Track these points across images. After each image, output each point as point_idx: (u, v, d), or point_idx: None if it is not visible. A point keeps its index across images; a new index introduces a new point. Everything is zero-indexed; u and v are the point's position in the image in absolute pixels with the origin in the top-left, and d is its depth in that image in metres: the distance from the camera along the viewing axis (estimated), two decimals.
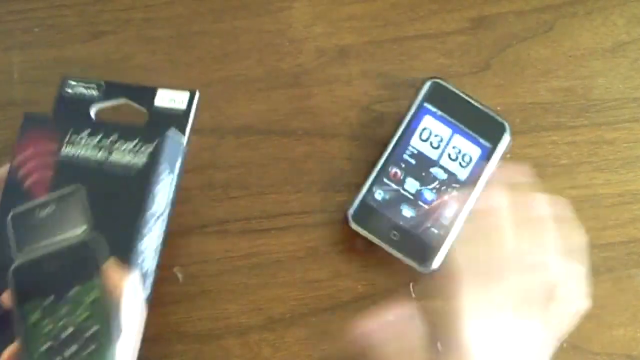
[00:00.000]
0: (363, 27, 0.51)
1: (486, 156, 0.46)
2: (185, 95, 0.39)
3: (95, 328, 0.34)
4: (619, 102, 0.50)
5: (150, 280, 0.37)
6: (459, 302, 0.33)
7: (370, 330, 0.36)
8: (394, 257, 0.45)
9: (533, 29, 0.51)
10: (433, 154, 0.46)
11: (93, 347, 0.34)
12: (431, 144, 0.46)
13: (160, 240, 0.38)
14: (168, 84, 0.49)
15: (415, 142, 0.46)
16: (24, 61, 0.50)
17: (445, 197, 0.45)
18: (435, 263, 0.44)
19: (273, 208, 0.47)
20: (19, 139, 0.38)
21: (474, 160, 0.46)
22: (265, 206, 0.47)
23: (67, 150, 0.37)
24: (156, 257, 0.38)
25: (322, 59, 0.50)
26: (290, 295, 0.46)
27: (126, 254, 0.35)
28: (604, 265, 0.47)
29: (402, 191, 0.46)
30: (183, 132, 0.39)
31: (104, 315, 0.34)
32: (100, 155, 0.37)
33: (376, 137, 0.48)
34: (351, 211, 0.45)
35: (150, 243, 0.37)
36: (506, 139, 0.46)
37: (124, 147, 0.37)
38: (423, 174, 0.46)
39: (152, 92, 0.39)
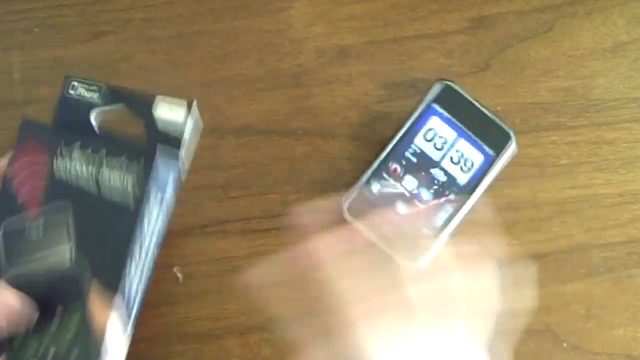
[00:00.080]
0: (363, 27, 0.51)
1: (489, 164, 0.45)
2: (183, 105, 0.38)
3: (77, 351, 0.33)
4: (619, 102, 0.50)
5: (136, 304, 0.37)
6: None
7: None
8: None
9: (533, 29, 0.51)
10: (435, 155, 0.46)
11: None
12: (435, 145, 0.46)
13: (148, 264, 0.38)
14: (168, 84, 0.50)
15: (419, 141, 0.46)
16: (24, 61, 0.50)
17: (442, 200, 0.45)
18: (423, 261, 0.44)
19: (273, 208, 0.47)
20: (16, 148, 0.37)
21: (476, 166, 0.45)
22: (265, 206, 0.47)
23: (59, 163, 0.37)
24: (143, 281, 0.38)
25: (322, 59, 0.50)
26: (291, 295, 0.46)
27: (112, 278, 0.35)
28: (604, 265, 0.47)
29: (399, 188, 0.46)
30: (179, 145, 0.38)
31: (87, 338, 0.33)
32: (91, 173, 0.36)
33: (376, 137, 0.48)
34: (345, 201, 0.45)
35: (137, 267, 0.36)
36: (511, 150, 0.45)
37: (115, 166, 0.36)
38: (423, 173, 0.46)
39: (151, 100, 0.38)
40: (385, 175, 0.46)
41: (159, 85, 0.49)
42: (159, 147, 0.37)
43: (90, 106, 0.39)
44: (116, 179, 0.36)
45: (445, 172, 0.46)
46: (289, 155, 0.48)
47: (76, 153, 0.37)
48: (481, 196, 0.45)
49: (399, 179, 0.46)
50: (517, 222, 0.48)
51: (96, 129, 0.38)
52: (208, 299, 0.45)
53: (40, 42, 0.50)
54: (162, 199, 0.38)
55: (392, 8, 0.51)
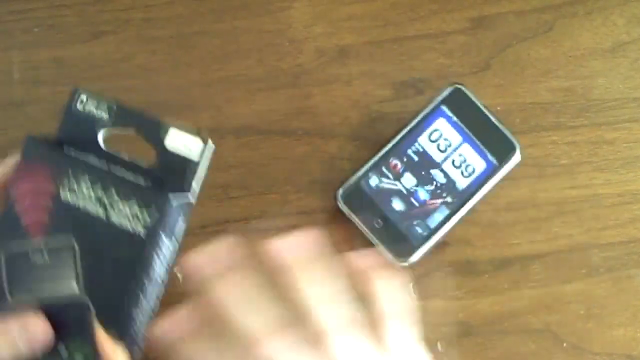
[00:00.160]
0: (363, 27, 0.51)
1: (490, 172, 0.45)
2: (198, 144, 0.36)
3: None
4: (619, 102, 0.50)
5: (140, 344, 0.35)
6: None
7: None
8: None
9: (533, 29, 0.51)
10: (437, 157, 0.46)
11: None
12: (438, 146, 0.46)
13: (154, 305, 0.36)
14: (168, 84, 0.50)
15: (423, 141, 0.46)
16: (24, 61, 0.50)
17: (438, 201, 0.45)
18: (411, 260, 0.45)
19: (273, 208, 0.47)
20: (19, 167, 0.35)
21: (477, 173, 0.45)
22: (265, 206, 0.47)
23: (65, 195, 0.35)
24: (148, 322, 0.36)
25: (322, 59, 0.50)
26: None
27: (117, 318, 0.34)
28: (604, 265, 0.47)
29: (397, 184, 0.46)
30: (189, 186, 0.36)
31: None
32: (98, 210, 0.34)
33: (376, 137, 0.48)
34: (341, 190, 0.45)
35: (143, 309, 0.35)
36: (514, 161, 0.45)
37: (123, 205, 0.34)
38: (422, 172, 0.46)
39: (164, 129, 0.36)
40: (384, 169, 0.46)
41: (159, 85, 0.49)
42: (171, 195, 0.35)
43: (98, 124, 0.36)
44: (126, 219, 0.34)
45: (445, 175, 0.46)
46: (289, 155, 0.48)
47: (83, 178, 0.35)
48: (478, 202, 0.45)
49: (398, 175, 0.46)
50: (517, 222, 0.48)
51: (103, 147, 0.37)
52: None
53: (40, 42, 0.50)
54: (172, 231, 0.36)
55: (392, 8, 0.51)
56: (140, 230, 0.34)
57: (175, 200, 0.35)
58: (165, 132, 0.36)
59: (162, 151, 0.36)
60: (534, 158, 0.48)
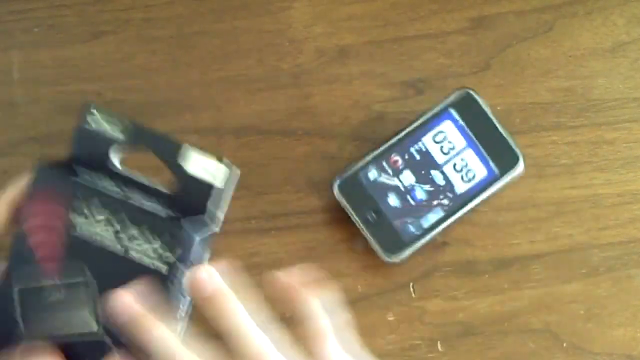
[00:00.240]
0: (363, 27, 0.51)
1: (490, 180, 0.45)
2: (222, 169, 0.34)
3: None
4: (619, 102, 0.50)
5: None
6: None
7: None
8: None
9: (533, 29, 0.51)
10: (439, 158, 0.46)
11: None
12: (442, 148, 0.46)
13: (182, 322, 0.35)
14: (168, 84, 0.50)
15: (427, 141, 0.46)
16: (24, 61, 0.50)
17: (435, 202, 0.45)
18: (400, 257, 0.45)
19: (273, 208, 0.47)
20: (31, 197, 0.33)
21: (477, 179, 0.45)
22: (265, 206, 0.47)
23: (80, 227, 0.33)
24: None
25: (322, 59, 0.50)
26: None
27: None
28: (604, 265, 0.47)
29: (396, 180, 0.46)
30: (213, 216, 0.34)
31: None
32: (115, 243, 0.33)
33: (376, 137, 0.48)
34: (338, 180, 0.45)
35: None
36: (516, 172, 0.45)
37: (142, 240, 0.32)
38: (422, 172, 0.46)
39: (183, 152, 0.34)
40: (384, 164, 0.46)
41: (159, 85, 0.49)
42: (192, 230, 0.33)
43: (110, 142, 0.34)
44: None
45: (445, 177, 0.46)
46: (289, 155, 0.48)
47: (98, 210, 0.33)
48: (475, 207, 0.45)
49: (397, 171, 0.46)
50: (517, 222, 0.48)
51: (118, 168, 0.35)
52: None
53: (40, 42, 0.50)
54: (194, 263, 0.34)
55: (392, 8, 0.51)
56: (160, 266, 0.32)
57: (198, 235, 0.33)
58: (185, 155, 0.34)
59: (181, 175, 0.33)
60: (534, 158, 0.48)
